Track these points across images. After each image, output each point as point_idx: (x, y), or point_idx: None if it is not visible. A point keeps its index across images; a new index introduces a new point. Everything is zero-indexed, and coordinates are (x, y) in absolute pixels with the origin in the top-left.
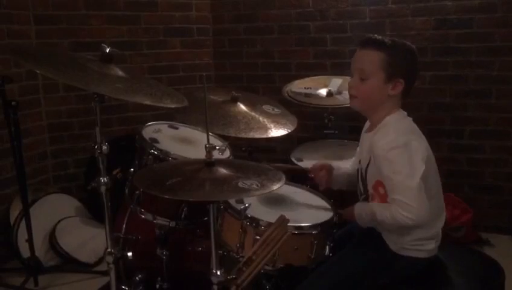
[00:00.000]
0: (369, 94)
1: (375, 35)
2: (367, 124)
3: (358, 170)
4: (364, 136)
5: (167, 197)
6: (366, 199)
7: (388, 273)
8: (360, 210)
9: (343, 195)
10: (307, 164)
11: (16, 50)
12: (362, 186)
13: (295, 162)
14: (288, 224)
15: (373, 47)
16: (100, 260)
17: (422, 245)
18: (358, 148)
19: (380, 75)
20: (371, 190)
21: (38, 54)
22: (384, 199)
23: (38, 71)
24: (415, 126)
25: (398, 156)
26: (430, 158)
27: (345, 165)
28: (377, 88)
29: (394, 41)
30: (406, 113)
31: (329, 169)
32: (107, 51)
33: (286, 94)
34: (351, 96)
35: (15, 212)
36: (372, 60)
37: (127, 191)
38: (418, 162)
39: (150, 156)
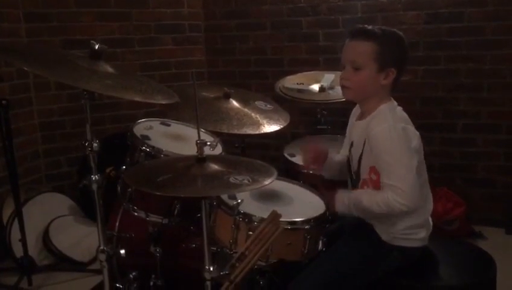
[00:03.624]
0: (362, 85)
1: (365, 26)
2: (356, 112)
3: (348, 157)
4: (356, 124)
5: (158, 194)
6: (356, 187)
7: (381, 265)
8: (343, 197)
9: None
10: (299, 159)
11: (3, 48)
12: (352, 173)
13: (288, 157)
14: (281, 219)
15: (363, 38)
16: (94, 259)
17: (414, 234)
18: (346, 138)
19: (372, 65)
20: (365, 176)
21: (26, 51)
22: (377, 184)
23: (26, 68)
24: (407, 115)
25: (396, 142)
26: (420, 146)
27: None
28: (370, 78)
29: (384, 31)
30: (396, 102)
31: (321, 154)
32: (96, 47)
33: (279, 90)
34: (344, 88)
35: (8, 211)
36: (363, 51)
37: (119, 189)
38: (413, 149)
39: (142, 153)
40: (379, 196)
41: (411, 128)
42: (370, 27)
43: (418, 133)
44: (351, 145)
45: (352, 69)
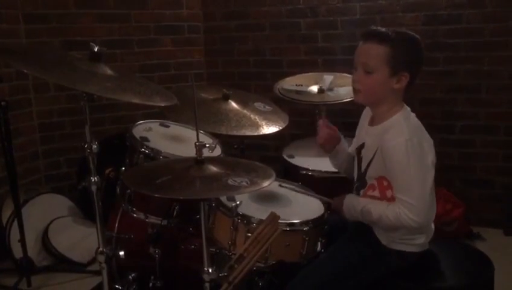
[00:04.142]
0: (374, 88)
1: (379, 28)
2: (367, 113)
3: (356, 159)
4: (368, 129)
5: (157, 195)
6: (359, 188)
7: (380, 267)
8: (350, 203)
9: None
10: (298, 161)
11: (3, 49)
12: (358, 175)
13: (287, 159)
14: (280, 221)
15: (377, 40)
16: (93, 260)
17: (413, 239)
18: (355, 138)
19: (384, 69)
20: (371, 181)
21: (26, 53)
22: (384, 191)
23: (25, 70)
24: (420, 122)
25: (412, 158)
26: (434, 158)
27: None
28: (382, 82)
29: (398, 33)
30: (409, 108)
31: (335, 134)
32: (96, 49)
33: (277, 91)
34: (355, 91)
35: (7, 212)
36: (376, 54)
37: (118, 190)
38: (429, 165)
39: (141, 155)
40: (390, 209)
41: (426, 138)
42: (384, 30)
43: (432, 141)
44: (362, 146)
45: (363, 72)
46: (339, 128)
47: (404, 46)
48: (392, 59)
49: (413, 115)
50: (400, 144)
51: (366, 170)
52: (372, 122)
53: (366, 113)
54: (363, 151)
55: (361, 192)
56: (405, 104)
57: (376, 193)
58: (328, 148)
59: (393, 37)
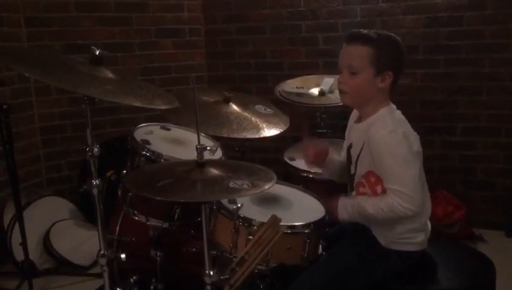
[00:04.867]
0: (360, 89)
1: (361, 30)
2: (354, 114)
3: (346, 158)
4: (354, 127)
5: (158, 198)
6: (351, 187)
7: (379, 269)
8: (344, 203)
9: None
10: (299, 163)
11: (4, 53)
12: (351, 175)
13: (288, 161)
14: (281, 223)
15: (360, 42)
16: (95, 263)
17: (412, 238)
18: (345, 141)
19: (369, 69)
20: (360, 179)
21: (27, 56)
22: (374, 187)
23: (27, 74)
24: (405, 119)
25: (397, 147)
26: (420, 150)
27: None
28: (367, 83)
29: (379, 35)
30: (394, 105)
31: (321, 152)
32: (97, 53)
33: (278, 94)
34: (342, 92)
35: (8, 215)
36: (360, 56)
37: (119, 193)
38: (415, 153)
39: (142, 158)
40: (383, 201)
41: (412, 132)
42: (366, 31)
43: (418, 136)
44: (350, 146)
45: (349, 73)
46: (339, 130)
47: (387, 46)
48: (376, 59)
49: (398, 111)
50: (385, 136)
51: (355, 167)
52: (359, 120)
53: (353, 116)
54: (351, 150)
55: (353, 191)
56: (391, 102)
57: (367, 190)
58: (318, 165)
59: (375, 38)
